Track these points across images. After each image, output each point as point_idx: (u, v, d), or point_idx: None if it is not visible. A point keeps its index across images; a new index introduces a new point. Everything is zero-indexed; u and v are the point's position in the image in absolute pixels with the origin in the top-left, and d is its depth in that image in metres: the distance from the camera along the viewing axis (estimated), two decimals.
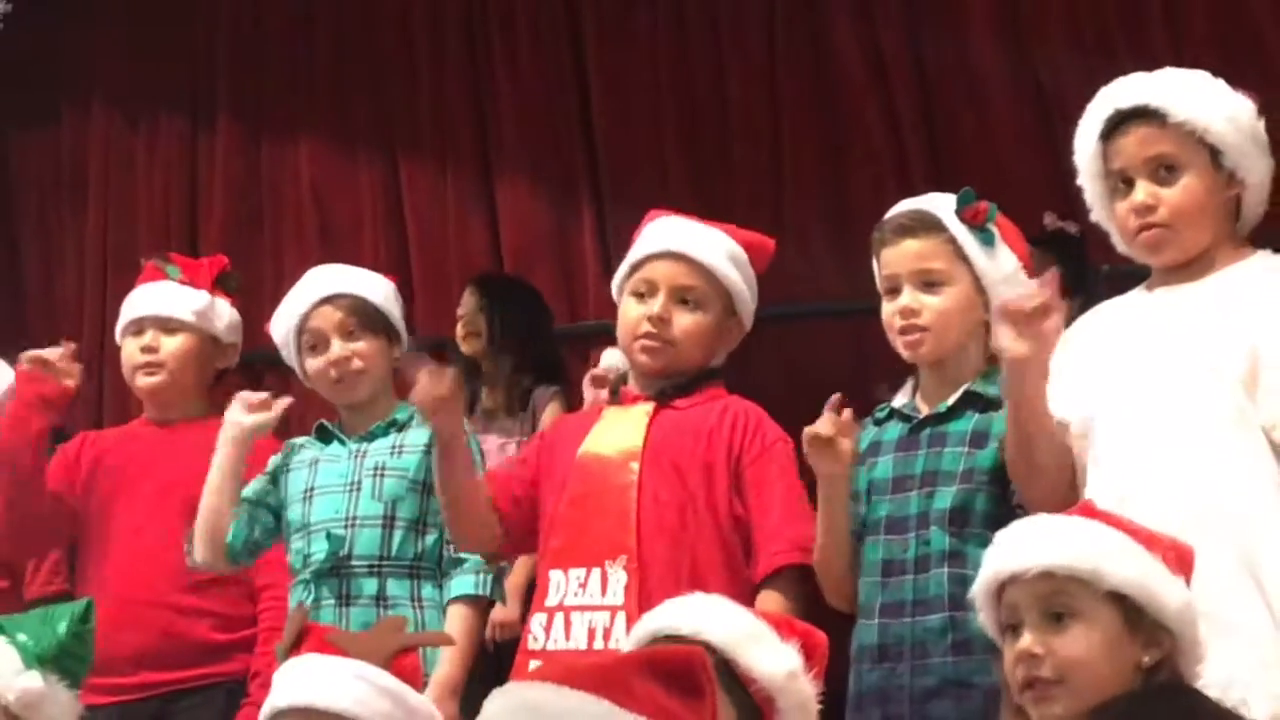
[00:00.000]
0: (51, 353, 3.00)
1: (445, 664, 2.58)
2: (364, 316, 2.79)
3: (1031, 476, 2.14)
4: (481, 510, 2.53)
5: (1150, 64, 2.31)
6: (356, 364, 2.77)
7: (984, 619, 1.91)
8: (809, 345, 3.42)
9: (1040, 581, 1.82)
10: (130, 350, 3.10)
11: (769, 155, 3.59)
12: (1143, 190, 2.16)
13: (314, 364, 2.79)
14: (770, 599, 2.37)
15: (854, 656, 2.29)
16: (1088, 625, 1.81)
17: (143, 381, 3.07)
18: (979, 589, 1.90)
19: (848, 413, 2.29)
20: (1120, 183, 2.18)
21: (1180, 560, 1.87)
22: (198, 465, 2.84)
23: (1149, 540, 1.87)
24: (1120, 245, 2.24)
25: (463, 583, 2.65)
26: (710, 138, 3.66)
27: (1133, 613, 1.82)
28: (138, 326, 3.09)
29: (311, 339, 2.80)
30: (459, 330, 3.51)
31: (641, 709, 1.41)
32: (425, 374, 2.45)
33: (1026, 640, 1.82)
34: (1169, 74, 2.20)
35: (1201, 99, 2.19)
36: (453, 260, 3.85)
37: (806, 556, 2.37)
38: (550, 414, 3.31)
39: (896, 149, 3.46)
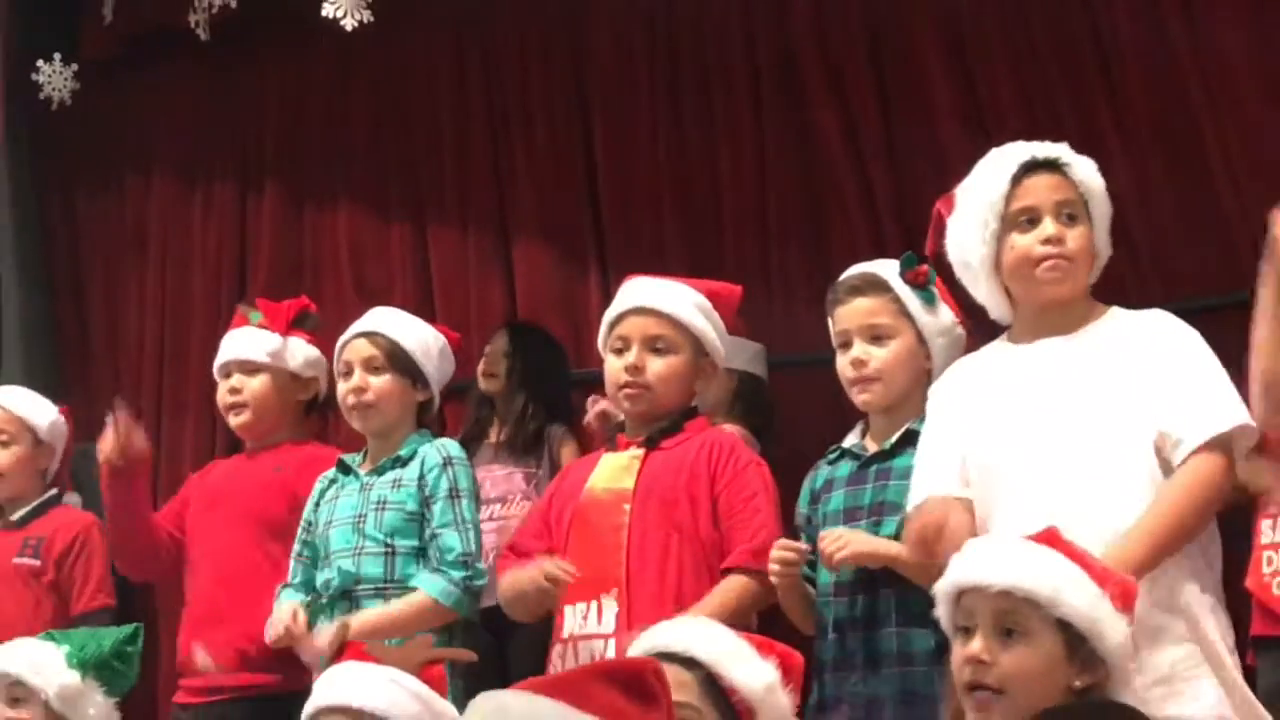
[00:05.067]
0: (113, 436, 3.07)
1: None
2: (391, 356, 2.86)
3: None
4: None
5: (1098, 145, 2.45)
6: (369, 396, 2.84)
7: (940, 613, 1.96)
8: (790, 392, 3.45)
9: (999, 597, 1.87)
10: (221, 392, 3.26)
11: (756, 224, 3.64)
12: (1052, 225, 2.24)
13: (340, 389, 2.92)
14: (734, 580, 2.45)
15: (815, 670, 2.39)
16: (1034, 645, 1.86)
17: (233, 421, 3.24)
18: (942, 588, 1.95)
19: (787, 553, 2.36)
20: (1024, 221, 2.25)
21: (1125, 598, 1.92)
22: (263, 483, 3.03)
23: (1102, 576, 1.92)
24: (984, 297, 2.29)
25: (433, 582, 2.69)
26: (703, 207, 3.71)
27: (1075, 640, 1.87)
28: (225, 370, 3.25)
29: (344, 367, 2.92)
30: (480, 368, 3.53)
31: (598, 711, 1.48)
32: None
33: (977, 646, 1.87)
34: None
35: (1087, 165, 2.33)
36: (473, 312, 3.89)
37: (759, 561, 2.45)
38: (569, 452, 3.38)
39: (871, 218, 3.51)
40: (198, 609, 3.14)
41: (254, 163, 4.26)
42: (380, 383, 2.86)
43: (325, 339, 3.19)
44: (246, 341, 3.24)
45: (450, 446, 2.89)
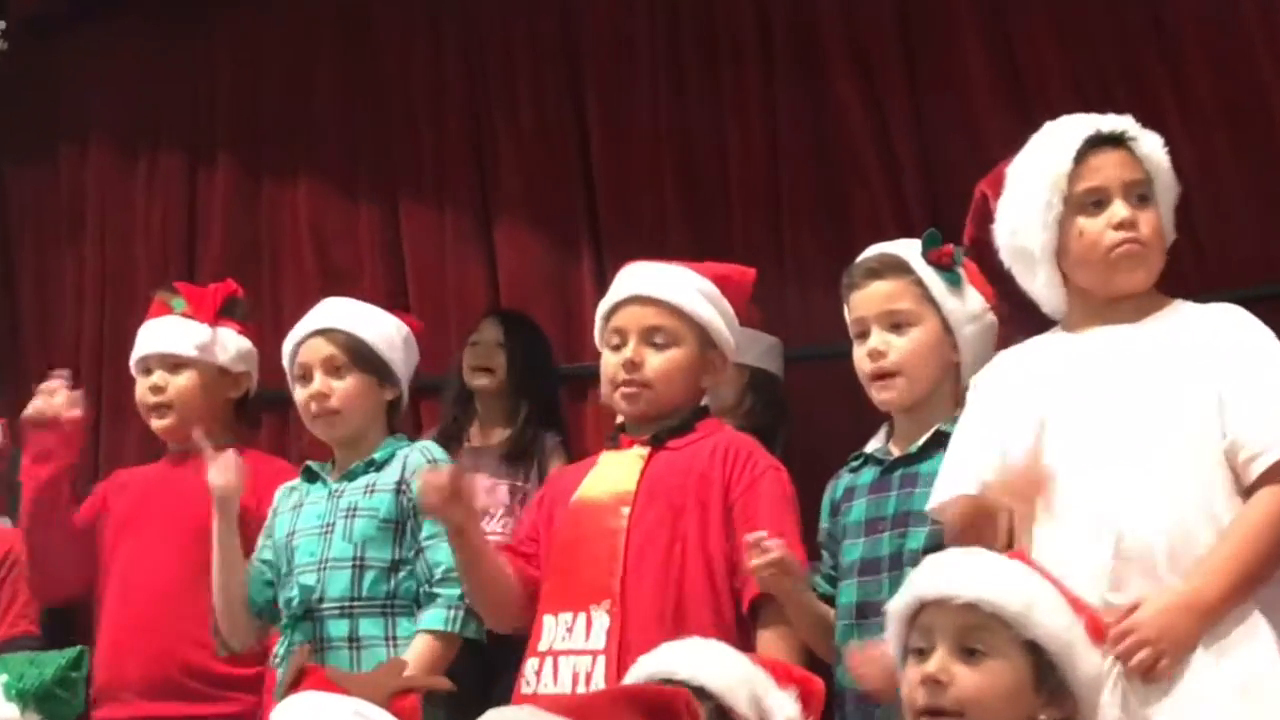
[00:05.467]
0: (46, 392, 3.01)
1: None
2: (353, 354, 2.77)
3: None
4: (505, 592, 2.54)
5: (1155, 120, 2.33)
6: (332, 402, 2.75)
7: (890, 634, 1.92)
8: (806, 389, 3.39)
9: (963, 612, 1.84)
10: (141, 391, 3.14)
11: (768, 204, 3.59)
12: (1124, 207, 2.18)
13: (299, 396, 2.80)
14: (771, 642, 2.38)
15: (835, 699, 2.31)
16: (999, 667, 1.82)
17: (155, 424, 3.11)
18: (896, 605, 1.91)
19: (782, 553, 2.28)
20: (1091, 203, 2.19)
21: (1096, 631, 1.90)
22: (199, 493, 2.82)
23: (1075, 603, 1.89)
24: (1041, 289, 2.22)
25: (433, 617, 2.63)
26: (709, 184, 3.65)
27: (1045, 667, 1.83)
28: (145, 365, 3.13)
29: (300, 370, 2.80)
30: (468, 361, 3.42)
31: None
32: (425, 471, 2.49)
33: (934, 665, 1.82)
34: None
35: (1153, 141, 2.25)
36: (450, 300, 3.82)
37: None
38: (551, 463, 3.28)
39: (896, 197, 3.45)
40: (124, 632, 3.02)
41: (205, 131, 4.18)
42: (344, 385, 2.77)
43: (291, 323, 3.07)
44: (170, 333, 3.11)
45: (434, 449, 2.81)
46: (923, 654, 1.86)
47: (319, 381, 2.76)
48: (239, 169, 4.09)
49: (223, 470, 2.71)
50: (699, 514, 2.45)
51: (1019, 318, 2.41)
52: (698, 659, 1.99)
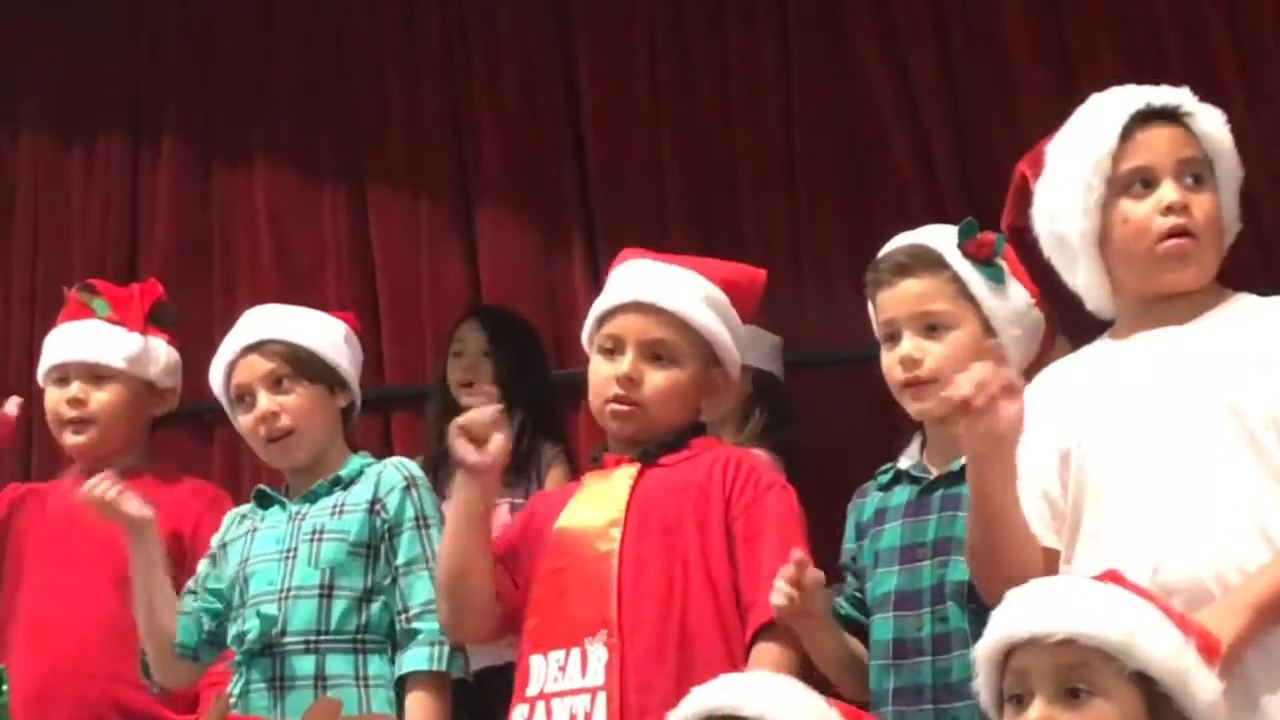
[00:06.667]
0: None
1: None
2: (296, 364, 2.72)
3: (994, 584, 2.06)
4: (484, 598, 2.52)
5: (1215, 91, 2.29)
6: (285, 421, 2.70)
7: (980, 685, 1.87)
8: (825, 396, 3.39)
9: (1060, 650, 1.79)
10: (54, 401, 3.08)
11: (782, 187, 3.58)
12: (1174, 189, 2.12)
13: (244, 422, 2.74)
14: (766, 652, 2.34)
15: None
16: (1106, 709, 1.77)
17: (71, 440, 3.05)
18: (983, 650, 1.86)
19: (811, 574, 2.24)
20: (1138, 184, 2.13)
21: (1208, 650, 1.85)
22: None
23: (1182, 622, 1.85)
24: (1083, 283, 2.19)
25: (415, 656, 2.59)
26: (716, 159, 3.64)
27: (1158, 699, 1.78)
28: (62, 373, 3.07)
29: (239, 393, 2.75)
30: (453, 375, 3.39)
31: None
32: (475, 413, 2.44)
33: (1035, 714, 1.78)
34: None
35: (1213, 116, 2.19)
36: (425, 299, 3.79)
37: None
38: (557, 477, 3.26)
39: (927, 178, 3.44)
40: (49, 680, 2.93)
41: (149, 112, 4.15)
42: (293, 400, 2.71)
43: None
44: (95, 340, 3.04)
45: (410, 465, 2.76)
46: (1020, 701, 1.82)
47: (265, 401, 2.70)
48: (187, 153, 4.07)
49: (138, 501, 2.69)
50: (698, 533, 2.41)
51: (1064, 319, 2.39)
52: (768, 695, 1.97)
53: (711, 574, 2.39)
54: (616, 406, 2.48)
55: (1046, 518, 2.15)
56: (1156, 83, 2.22)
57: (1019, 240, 2.33)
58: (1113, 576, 1.89)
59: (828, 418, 3.33)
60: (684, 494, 2.43)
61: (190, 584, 2.74)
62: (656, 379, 2.47)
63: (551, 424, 3.38)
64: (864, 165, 3.52)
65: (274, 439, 2.71)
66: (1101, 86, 2.37)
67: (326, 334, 2.79)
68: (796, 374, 3.41)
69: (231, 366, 2.76)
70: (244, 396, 2.74)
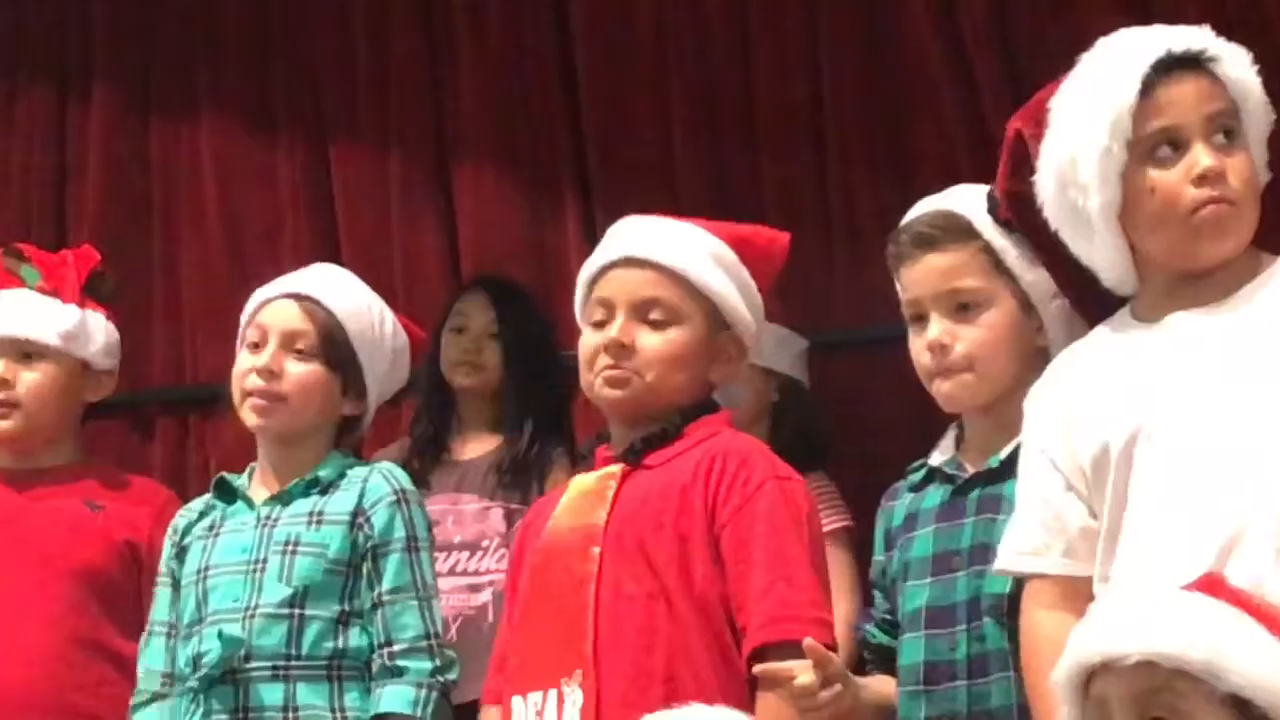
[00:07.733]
0: None
1: None
2: (327, 341, 2.72)
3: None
4: None
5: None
6: (281, 385, 2.70)
7: (1065, 714, 1.83)
8: (859, 381, 3.33)
9: (1140, 673, 1.76)
10: None
11: (807, 142, 3.47)
12: (1207, 153, 2.09)
13: (238, 365, 2.73)
14: (771, 709, 2.28)
15: None
16: None
17: None
18: (1062, 677, 1.83)
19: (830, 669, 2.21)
20: (1164, 147, 2.10)
21: None
22: (75, 525, 2.88)
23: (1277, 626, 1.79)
24: (1099, 257, 2.15)
25: (398, 696, 2.59)
26: (729, 111, 3.51)
27: None
28: None
29: (255, 334, 2.75)
30: (451, 355, 3.28)
31: None
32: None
33: None
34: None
35: (1238, 58, 2.14)
36: (396, 268, 3.67)
37: (790, 630, 2.27)
38: (556, 482, 3.16)
39: (975, 130, 3.30)
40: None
41: (77, 59, 4.02)
42: (301, 371, 2.71)
43: (192, 297, 3.22)
44: (25, 313, 3.04)
45: (399, 475, 2.75)
46: None
47: (270, 353, 2.69)
48: (122, 103, 3.94)
49: None
50: (678, 551, 2.37)
51: (1071, 298, 2.33)
52: None
53: (697, 595, 2.35)
54: (608, 373, 2.44)
55: (1055, 533, 2.12)
56: (1254, 33, 2.23)
57: (1017, 209, 2.28)
58: (1211, 582, 1.84)
59: (861, 404, 3.27)
60: (664, 505, 2.39)
61: (153, 615, 2.73)
62: (651, 341, 2.43)
63: (559, 423, 3.30)
64: (902, 116, 3.41)
65: (256, 394, 2.69)
66: (1173, 15, 2.32)
67: (378, 334, 2.79)
68: (828, 358, 3.34)
69: (264, 304, 2.75)
70: (257, 341, 2.72)
